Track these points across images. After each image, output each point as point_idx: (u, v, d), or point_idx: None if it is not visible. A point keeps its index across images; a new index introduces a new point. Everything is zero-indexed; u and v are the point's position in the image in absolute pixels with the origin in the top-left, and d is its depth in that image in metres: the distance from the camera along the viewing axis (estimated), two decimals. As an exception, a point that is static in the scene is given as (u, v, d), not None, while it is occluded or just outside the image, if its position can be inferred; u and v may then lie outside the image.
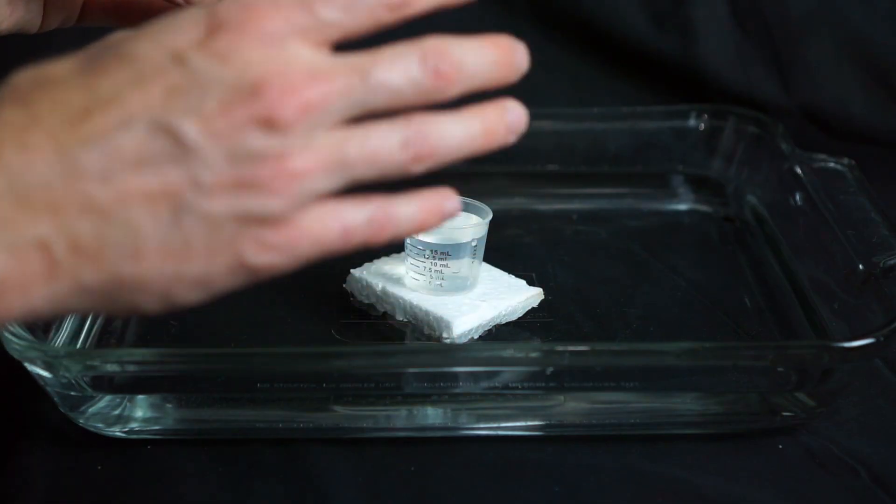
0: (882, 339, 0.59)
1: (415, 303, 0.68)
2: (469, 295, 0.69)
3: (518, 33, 1.00)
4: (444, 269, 0.68)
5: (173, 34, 0.41)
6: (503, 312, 0.69)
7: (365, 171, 0.43)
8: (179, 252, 0.40)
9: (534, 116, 0.91)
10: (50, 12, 0.61)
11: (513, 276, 0.72)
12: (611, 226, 0.83)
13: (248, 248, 0.41)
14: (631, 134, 0.87)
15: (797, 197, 0.77)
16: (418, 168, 0.43)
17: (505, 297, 0.69)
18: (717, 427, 0.63)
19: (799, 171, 0.78)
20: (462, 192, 0.71)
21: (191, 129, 0.40)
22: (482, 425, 0.62)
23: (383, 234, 0.44)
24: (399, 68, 0.42)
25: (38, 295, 0.40)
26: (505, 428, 0.62)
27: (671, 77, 0.96)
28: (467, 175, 0.86)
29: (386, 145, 0.42)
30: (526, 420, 0.62)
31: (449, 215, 0.46)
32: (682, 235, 0.83)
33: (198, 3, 0.59)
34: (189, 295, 0.42)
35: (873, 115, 0.95)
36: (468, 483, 0.60)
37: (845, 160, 0.78)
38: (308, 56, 0.41)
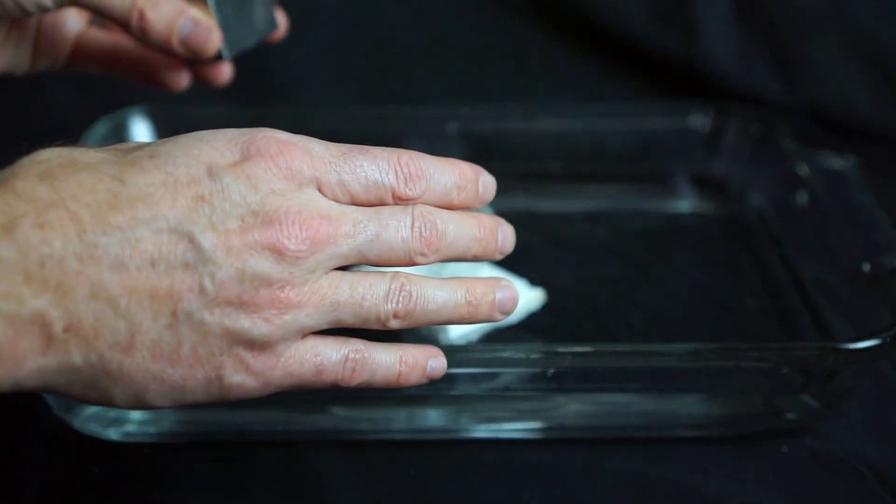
0: (888, 340, 0.59)
1: (412, 304, 0.68)
2: (468, 296, 0.69)
3: (519, 31, 1.01)
4: (443, 270, 0.68)
5: (210, 150, 0.44)
6: (502, 314, 0.68)
7: (349, 317, 0.46)
8: (167, 354, 0.43)
9: (535, 115, 0.92)
10: (38, 56, 0.63)
11: (514, 277, 0.71)
12: (612, 225, 0.83)
13: (229, 366, 0.44)
14: (633, 132, 0.87)
15: (802, 196, 0.76)
16: (395, 324, 0.47)
17: (505, 298, 0.69)
18: (720, 429, 0.63)
19: (803, 169, 0.77)
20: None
21: (209, 241, 0.43)
22: (483, 427, 0.62)
23: (355, 379, 0.48)
24: (393, 227, 0.47)
25: (27, 368, 0.42)
26: (506, 430, 0.62)
27: (674, 75, 0.96)
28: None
29: (371, 295, 0.46)
30: (527, 422, 0.62)
31: (431, 377, 0.50)
32: (685, 235, 0.83)
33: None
34: (160, 399, 0.44)
35: (879, 113, 0.95)
36: (468, 485, 0.59)
37: (851, 159, 0.77)
38: (322, 202, 0.45)
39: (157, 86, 0.67)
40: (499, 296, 0.50)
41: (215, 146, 0.44)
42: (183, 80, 0.66)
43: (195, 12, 0.59)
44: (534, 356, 0.59)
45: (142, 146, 0.45)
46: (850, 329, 0.67)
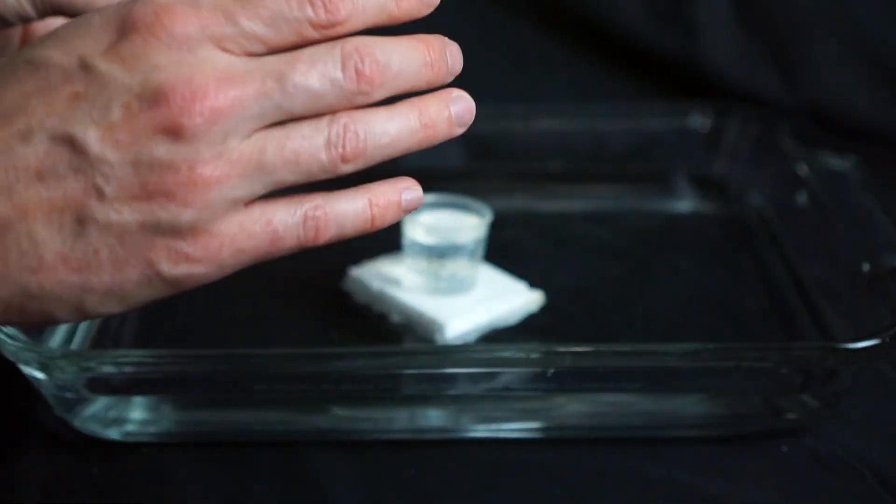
0: (888, 340, 0.58)
1: (410, 304, 0.68)
2: (466, 297, 0.69)
3: (519, 31, 1.01)
4: (441, 270, 0.68)
5: (82, 38, 0.40)
6: (500, 316, 0.68)
7: (288, 175, 0.42)
8: (85, 263, 0.40)
9: (535, 114, 0.92)
10: None
11: (514, 279, 0.71)
12: (612, 225, 0.83)
13: (161, 259, 0.41)
14: (633, 132, 0.87)
15: (802, 196, 0.76)
16: (348, 168, 0.42)
17: (503, 300, 0.69)
18: (720, 429, 0.63)
19: (803, 169, 0.77)
20: (462, 192, 0.72)
21: (92, 139, 0.39)
22: (483, 427, 0.62)
23: (323, 236, 0.43)
24: (318, 71, 0.41)
25: None
26: (506, 430, 0.62)
27: (674, 75, 0.96)
28: (467, 174, 0.86)
29: (308, 146, 0.41)
30: (527, 422, 0.62)
31: (408, 209, 0.45)
32: (685, 235, 0.83)
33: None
34: (103, 306, 0.41)
35: (879, 113, 0.94)
36: (468, 485, 0.59)
37: (851, 159, 0.77)
38: (221, 61, 0.40)
39: None
40: (454, 110, 0.45)
41: (90, 32, 0.40)
42: None
43: None
44: (534, 356, 0.59)
45: (23, 51, 0.42)
46: (850, 329, 0.66)
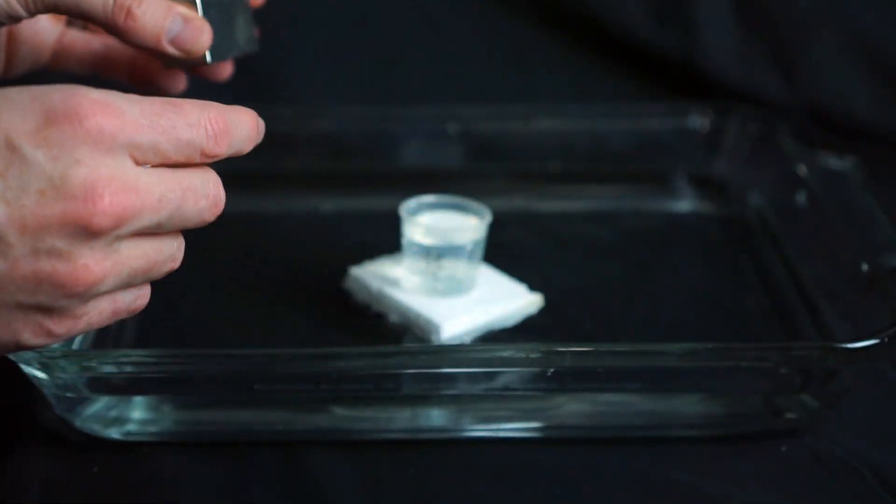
0: (887, 340, 0.59)
1: (407, 304, 0.68)
2: (464, 298, 0.69)
3: (519, 31, 1.01)
4: (439, 271, 0.68)
5: (11, 115, 0.41)
6: (497, 317, 0.68)
7: (150, 277, 0.46)
8: None
9: (535, 115, 0.92)
10: (15, 61, 0.62)
11: (514, 281, 0.71)
12: (612, 225, 0.83)
13: (27, 333, 0.43)
14: (633, 132, 0.87)
15: (801, 196, 0.77)
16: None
17: (501, 301, 0.69)
18: (719, 429, 0.63)
19: (803, 169, 0.77)
20: (462, 192, 0.72)
21: (1, 218, 0.41)
22: (483, 427, 0.62)
23: (140, 304, 0.47)
24: (191, 199, 0.45)
25: None
26: (506, 430, 0.62)
27: (674, 75, 0.96)
28: (467, 174, 0.86)
29: (165, 252, 0.46)
30: (527, 422, 0.62)
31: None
32: (685, 235, 0.83)
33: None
34: None
35: (879, 113, 0.95)
36: (469, 485, 0.59)
37: (850, 159, 0.78)
38: (131, 170, 0.42)
39: (153, 88, 0.65)
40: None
41: (17, 109, 0.42)
42: (180, 82, 0.65)
43: (183, 10, 0.56)
44: (533, 356, 0.59)
45: None
46: (850, 329, 0.67)
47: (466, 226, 0.69)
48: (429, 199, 0.70)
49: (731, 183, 0.86)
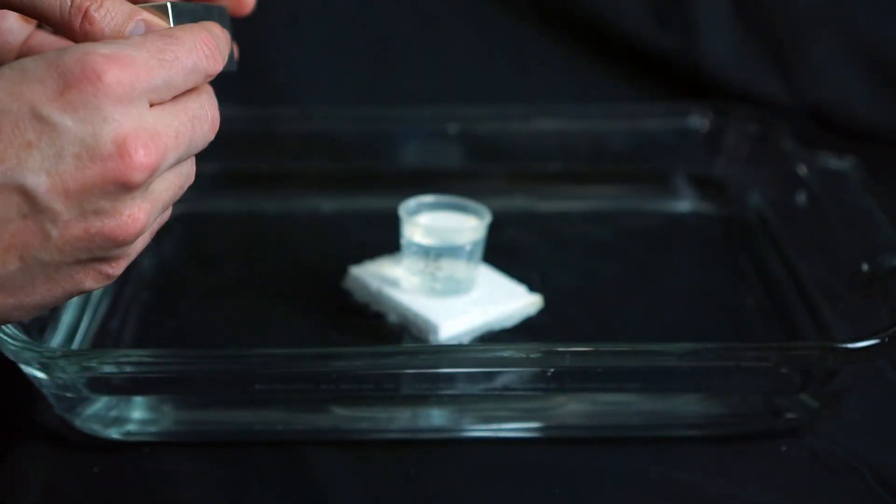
0: (887, 340, 0.59)
1: (406, 304, 0.68)
2: (463, 298, 0.68)
3: (518, 31, 1.01)
4: (438, 271, 0.68)
5: (32, 84, 0.42)
6: (495, 318, 0.68)
7: (180, 193, 0.48)
8: (20, 289, 0.44)
9: (535, 115, 0.92)
10: None
11: (514, 282, 0.71)
12: (612, 225, 0.83)
13: (87, 279, 0.45)
14: (632, 133, 0.87)
15: (801, 196, 0.77)
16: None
17: (500, 302, 0.69)
18: (719, 429, 0.63)
19: (802, 169, 0.77)
20: (462, 192, 0.72)
21: (43, 188, 0.42)
22: (483, 427, 0.62)
23: (166, 216, 0.49)
24: (199, 126, 0.46)
25: None
26: (506, 429, 0.62)
27: (673, 75, 0.96)
28: (467, 175, 0.86)
29: (185, 183, 0.47)
30: (526, 422, 0.62)
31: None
32: (685, 235, 0.83)
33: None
34: (22, 317, 0.46)
35: (878, 114, 0.95)
36: (468, 485, 0.59)
37: (849, 159, 0.78)
38: (150, 115, 0.44)
39: None
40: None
41: (35, 78, 0.42)
42: None
43: (148, 16, 0.52)
44: (533, 356, 0.59)
45: None
46: (849, 329, 0.67)
47: (466, 226, 0.69)
48: (428, 199, 0.70)
49: (731, 183, 0.86)
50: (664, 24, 0.95)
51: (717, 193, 0.86)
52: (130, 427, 0.61)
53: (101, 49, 0.43)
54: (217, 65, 0.47)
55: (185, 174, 0.47)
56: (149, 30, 0.53)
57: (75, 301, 0.66)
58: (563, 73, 0.98)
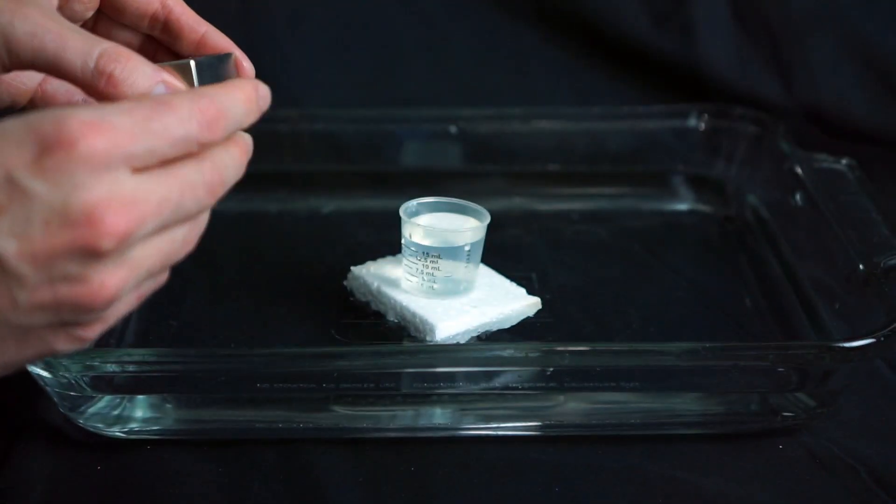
0: (883, 339, 0.59)
1: (404, 304, 0.68)
2: (462, 299, 0.68)
3: (518, 33, 1.01)
4: (437, 272, 0.68)
5: (7, 147, 0.42)
6: (493, 320, 0.68)
7: (168, 264, 0.46)
8: None
9: (534, 116, 0.92)
10: None
11: (513, 284, 0.71)
12: (611, 226, 0.83)
13: (60, 342, 0.44)
14: (631, 134, 0.87)
15: (798, 197, 0.77)
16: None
17: (498, 304, 0.69)
18: (717, 427, 0.63)
19: (800, 170, 0.77)
20: (461, 193, 0.72)
21: (12, 253, 0.41)
22: (482, 425, 0.62)
23: (162, 281, 0.47)
24: (189, 194, 0.45)
25: None
26: (505, 428, 0.62)
27: (672, 76, 0.96)
28: (467, 175, 0.87)
29: (174, 252, 0.46)
30: (526, 420, 0.62)
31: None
32: (683, 235, 0.83)
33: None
34: None
35: (874, 115, 0.95)
36: (468, 483, 0.60)
37: (846, 160, 0.78)
38: (129, 182, 0.43)
39: None
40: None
41: (13, 141, 0.42)
42: None
43: (169, 77, 0.51)
44: (533, 355, 0.60)
45: None
46: (846, 328, 0.67)
47: (465, 227, 0.69)
48: (428, 200, 0.70)
49: (729, 184, 0.86)
50: (663, 26, 0.96)
51: (716, 194, 0.86)
52: (133, 425, 0.61)
53: (82, 114, 0.42)
54: (215, 134, 0.45)
55: (179, 240, 0.46)
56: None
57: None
58: (562, 74, 0.98)
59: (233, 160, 0.47)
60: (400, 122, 0.87)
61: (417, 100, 0.97)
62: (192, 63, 0.52)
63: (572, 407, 0.63)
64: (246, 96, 0.47)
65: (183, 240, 0.46)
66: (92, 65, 0.49)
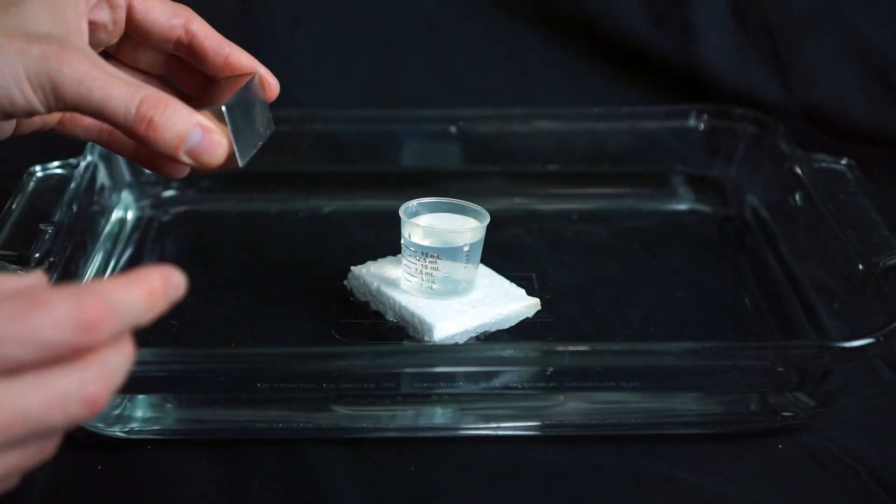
0: (882, 339, 0.59)
1: (403, 304, 0.68)
2: (461, 300, 0.69)
3: (519, 34, 1.01)
4: (436, 272, 0.68)
5: None
6: (492, 320, 0.68)
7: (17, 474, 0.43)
8: None
9: (534, 116, 0.92)
10: (21, 126, 0.59)
11: (513, 284, 0.71)
12: (611, 226, 0.83)
13: None
14: (631, 134, 0.87)
15: (797, 197, 0.77)
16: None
17: (497, 304, 0.69)
18: (717, 427, 0.63)
19: (799, 170, 0.78)
20: (461, 193, 0.72)
21: None
22: (482, 425, 0.62)
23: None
24: (62, 411, 0.41)
25: None
26: (505, 428, 0.62)
27: (671, 77, 0.97)
28: (467, 175, 0.87)
29: (24, 463, 0.43)
30: (526, 420, 0.62)
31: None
32: (683, 235, 0.83)
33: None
34: None
35: (873, 115, 0.95)
36: (468, 483, 0.60)
37: (845, 160, 0.78)
38: None
39: (156, 171, 0.62)
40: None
41: None
42: (185, 169, 0.61)
43: (204, 120, 0.53)
44: (532, 355, 0.60)
45: None
46: (846, 328, 0.67)
47: (465, 227, 0.69)
48: (428, 200, 0.70)
49: (729, 184, 0.86)
50: (663, 26, 0.96)
51: (715, 194, 0.86)
52: (133, 425, 0.61)
53: None
54: (97, 337, 0.40)
55: (32, 454, 0.42)
56: (205, 136, 0.53)
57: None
58: (562, 74, 0.98)
59: (124, 359, 0.42)
60: (400, 122, 0.87)
61: (417, 100, 0.97)
62: (224, 108, 0.55)
63: (572, 407, 0.63)
64: (148, 290, 0.42)
65: (39, 453, 0.43)
66: (133, 111, 0.50)
